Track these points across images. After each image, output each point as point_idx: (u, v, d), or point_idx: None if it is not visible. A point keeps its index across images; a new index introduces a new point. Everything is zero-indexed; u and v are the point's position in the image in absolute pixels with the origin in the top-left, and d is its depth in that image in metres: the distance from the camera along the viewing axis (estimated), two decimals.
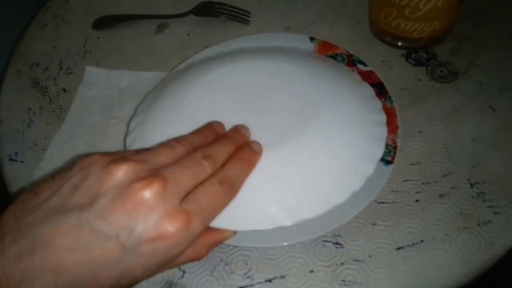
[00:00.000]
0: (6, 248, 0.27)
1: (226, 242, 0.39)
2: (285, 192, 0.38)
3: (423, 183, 0.43)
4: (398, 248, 0.39)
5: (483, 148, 0.44)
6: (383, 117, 0.43)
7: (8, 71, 0.61)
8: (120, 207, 0.28)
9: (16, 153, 0.52)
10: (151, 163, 0.31)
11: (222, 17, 0.61)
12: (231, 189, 0.34)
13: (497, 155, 0.44)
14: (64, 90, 0.57)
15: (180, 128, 0.39)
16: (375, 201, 0.42)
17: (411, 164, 0.44)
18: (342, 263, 0.39)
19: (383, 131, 0.42)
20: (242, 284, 0.39)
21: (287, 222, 0.37)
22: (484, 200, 0.41)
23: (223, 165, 0.34)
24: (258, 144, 0.38)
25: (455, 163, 0.44)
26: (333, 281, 0.38)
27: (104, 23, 0.64)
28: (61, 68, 0.60)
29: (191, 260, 0.34)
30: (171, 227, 0.28)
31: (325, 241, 0.41)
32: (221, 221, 0.35)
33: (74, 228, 0.27)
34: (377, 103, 0.44)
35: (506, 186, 0.42)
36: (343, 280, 0.38)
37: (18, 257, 0.26)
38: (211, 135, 0.38)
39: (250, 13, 0.61)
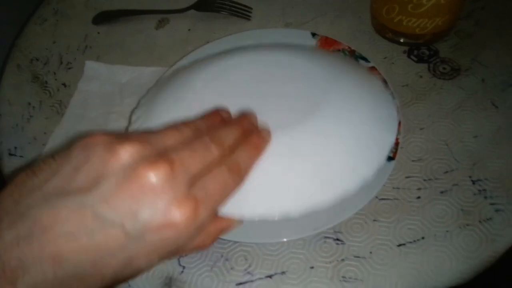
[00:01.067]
0: (3, 232, 0.25)
1: (226, 237, 0.39)
2: (294, 180, 0.37)
3: (424, 180, 0.43)
4: (399, 245, 0.39)
5: (485, 145, 0.44)
6: (393, 107, 0.43)
7: (8, 66, 0.61)
8: (125, 191, 0.26)
9: (15, 148, 0.52)
10: (158, 145, 0.29)
11: (223, 12, 0.61)
12: (239, 175, 0.33)
13: (499, 152, 0.43)
14: (64, 85, 0.57)
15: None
16: (376, 197, 0.42)
17: (413, 160, 0.44)
18: (342, 260, 0.39)
19: (394, 121, 0.42)
20: (242, 280, 0.39)
21: (295, 212, 0.36)
22: (485, 197, 0.41)
23: (231, 150, 0.33)
24: (267, 130, 0.37)
25: (456, 160, 0.44)
26: (334, 278, 0.38)
27: (104, 18, 0.64)
28: (61, 63, 0.60)
29: (197, 249, 0.33)
30: (179, 214, 0.27)
31: (325, 237, 0.40)
32: (227, 210, 0.34)
33: (76, 212, 0.26)
34: (387, 95, 0.44)
35: (508, 184, 0.41)
36: (343, 277, 0.38)
37: (16, 242, 0.25)
38: (217, 120, 0.36)
39: (251, 8, 0.61)
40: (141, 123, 0.44)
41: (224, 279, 0.39)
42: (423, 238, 0.39)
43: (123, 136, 0.29)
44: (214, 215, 0.32)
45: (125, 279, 0.29)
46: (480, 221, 0.40)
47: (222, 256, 0.40)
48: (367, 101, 0.42)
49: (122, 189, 0.26)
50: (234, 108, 0.40)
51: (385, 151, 0.40)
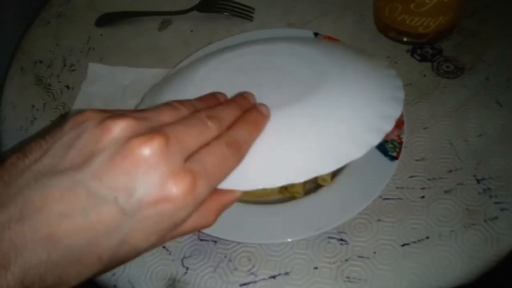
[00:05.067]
0: None
1: (230, 238, 0.39)
2: (297, 150, 0.35)
3: (428, 179, 0.42)
4: (403, 245, 0.39)
5: (489, 143, 0.44)
6: (399, 81, 0.40)
7: (11, 68, 0.61)
8: (118, 166, 0.25)
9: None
10: (152, 121, 0.28)
11: (225, 13, 0.61)
12: (239, 151, 0.31)
13: (504, 151, 0.43)
14: (67, 87, 0.57)
15: None
16: (380, 197, 0.42)
17: (416, 160, 0.44)
18: (346, 260, 0.39)
19: (401, 93, 0.39)
20: (246, 281, 0.39)
21: (299, 178, 0.34)
22: (490, 196, 0.40)
23: (229, 128, 0.32)
24: (266, 106, 0.36)
25: (461, 159, 0.43)
26: (338, 278, 0.38)
27: (107, 20, 0.64)
28: (65, 65, 0.60)
29: (199, 227, 0.32)
30: (175, 188, 0.26)
31: (329, 237, 0.40)
32: (228, 182, 0.32)
33: (68, 191, 0.25)
34: (392, 71, 0.42)
35: None
36: (347, 277, 0.38)
37: (7, 225, 0.24)
38: (213, 103, 0.35)
39: (253, 9, 0.61)
40: None
41: (228, 280, 0.39)
42: (427, 237, 0.39)
43: (116, 113, 0.28)
44: (214, 191, 0.31)
45: (124, 260, 0.28)
46: (485, 220, 0.39)
47: (225, 257, 0.40)
48: (372, 75, 0.41)
49: (114, 164, 0.25)
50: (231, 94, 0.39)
51: (392, 121, 0.37)
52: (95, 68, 0.58)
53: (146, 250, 0.28)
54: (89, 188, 0.25)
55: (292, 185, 0.41)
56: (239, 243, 0.41)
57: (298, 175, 0.33)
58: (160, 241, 0.28)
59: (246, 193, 0.42)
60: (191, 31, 0.61)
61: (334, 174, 0.42)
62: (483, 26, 0.54)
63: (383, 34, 0.55)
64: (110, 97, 0.55)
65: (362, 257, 0.39)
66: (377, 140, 0.35)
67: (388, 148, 0.42)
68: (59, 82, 0.58)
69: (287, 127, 0.35)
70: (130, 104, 0.53)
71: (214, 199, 0.32)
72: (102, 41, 0.62)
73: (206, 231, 0.39)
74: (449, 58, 0.52)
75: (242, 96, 0.36)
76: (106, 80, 0.57)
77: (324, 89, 0.38)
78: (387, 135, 0.36)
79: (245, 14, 0.61)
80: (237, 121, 0.32)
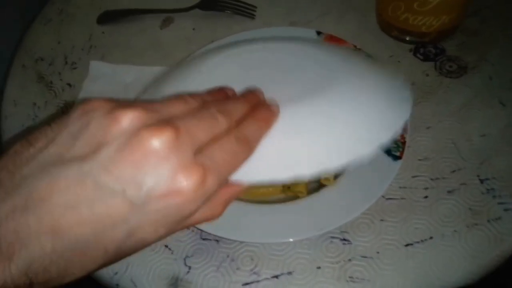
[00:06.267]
0: None
1: (232, 237, 0.39)
2: (306, 146, 0.34)
3: (431, 179, 0.42)
4: (407, 245, 0.39)
5: (492, 143, 0.44)
6: (406, 86, 0.40)
7: (13, 66, 0.61)
8: (127, 158, 0.25)
9: None
10: (162, 113, 0.28)
11: (227, 11, 0.61)
12: (248, 147, 0.31)
13: (508, 151, 0.43)
14: (69, 85, 0.57)
15: None
16: (383, 197, 0.42)
17: (420, 160, 0.44)
18: (349, 260, 0.39)
19: (408, 95, 0.39)
20: (248, 280, 0.39)
21: (307, 172, 0.33)
22: (494, 196, 0.40)
23: (238, 123, 0.31)
24: (276, 103, 0.35)
25: (464, 158, 0.43)
26: (341, 278, 0.38)
27: (109, 17, 0.64)
28: (66, 63, 0.60)
29: (206, 219, 0.31)
30: (185, 181, 0.25)
31: (332, 237, 0.40)
32: (236, 175, 0.31)
33: (75, 182, 0.24)
34: (399, 78, 0.41)
35: None
36: (350, 277, 0.38)
37: (11, 215, 0.23)
38: (222, 97, 0.35)
39: (255, 7, 0.61)
40: None
41: (230, 279, 0.39)
42: (430, 238, 0.39)
43: (125, 103, 0.27)
44: (222, 185, 0.30)
45: (130, 251, 0.27)
46: (488, 221, 0.39)
47: (228, 256, 0.40)
48: (379, 80, 0.40)
49: (123, 156, 0.25)
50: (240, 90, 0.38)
51: (401, 119, 0.36)
52: (96, 66, 0.58)
53: (153, 242, 0.28)
54: (96, 180, 0.24)
55: (295, 185, 0.41)
56: (241, 242, 0.41)
57: (306, 170, 0.33)
58: (168, 233, 0.28)
59: (249, 192, 0.42)
60: (193, 29, 0.61)
61: (337, 174, 0.42)
62: (486, 26, 0.54)
63: (386, 33, 0.55)
64: (112, 95, 0.54)
65: (365, 257, 0.39)
66: (387, 138, 0.35)
67: (391, 147, 0.42)
68: (61, 80, 0.58)
69: (296, 124, 0.35)
70: None
71: (222, 191, 0.31)
72: (104, 39, 0.62)
73: (208, 230, 0.40)
74: (452, 57, 0.51)
75: (251, 92, 0.36)
76: (107, 78, 0.57)
77: (334, 89, 0.37)
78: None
79: (247, 12, 0.60)
80: (247, 117, 0.32)
